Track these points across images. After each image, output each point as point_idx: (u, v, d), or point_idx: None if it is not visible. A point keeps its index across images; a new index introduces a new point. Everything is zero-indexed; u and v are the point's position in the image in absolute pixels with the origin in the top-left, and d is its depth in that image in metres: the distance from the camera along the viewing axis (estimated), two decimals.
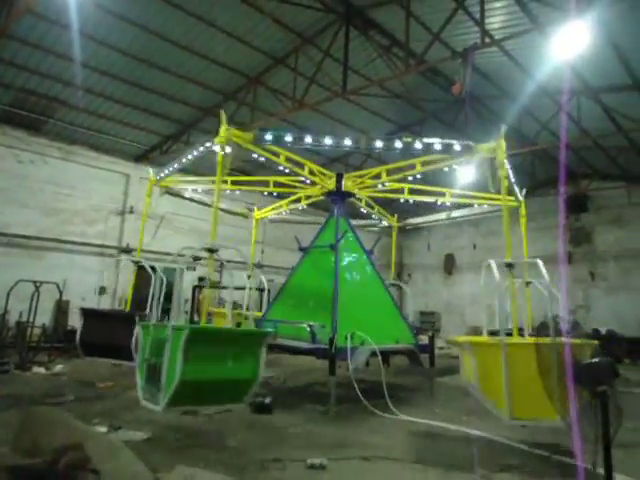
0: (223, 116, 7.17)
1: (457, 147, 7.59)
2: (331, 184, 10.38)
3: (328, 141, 7.72)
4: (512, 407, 4.87)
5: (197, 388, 5.09)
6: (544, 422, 4.75)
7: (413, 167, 9.20)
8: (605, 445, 3.31)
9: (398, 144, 7.65)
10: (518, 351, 4.99)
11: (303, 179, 10.34)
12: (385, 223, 13.44)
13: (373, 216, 13.20)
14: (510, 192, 9.14)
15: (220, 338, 5.59)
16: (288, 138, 7.64)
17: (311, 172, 10.11)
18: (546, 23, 9.42)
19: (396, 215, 13.31)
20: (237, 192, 13.82)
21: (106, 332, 8.44)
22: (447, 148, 7.76)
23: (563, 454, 5.17)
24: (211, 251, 6.47)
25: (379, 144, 7.81)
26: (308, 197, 11.87)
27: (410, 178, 10.08)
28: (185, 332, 4.90)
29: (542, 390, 4.32)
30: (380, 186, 10.73)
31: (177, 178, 10.46)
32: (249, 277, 10.23)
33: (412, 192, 11.20)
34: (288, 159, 9.00)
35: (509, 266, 6.64)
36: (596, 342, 5.22)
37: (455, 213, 12.86)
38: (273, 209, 12.94)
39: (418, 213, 15.19)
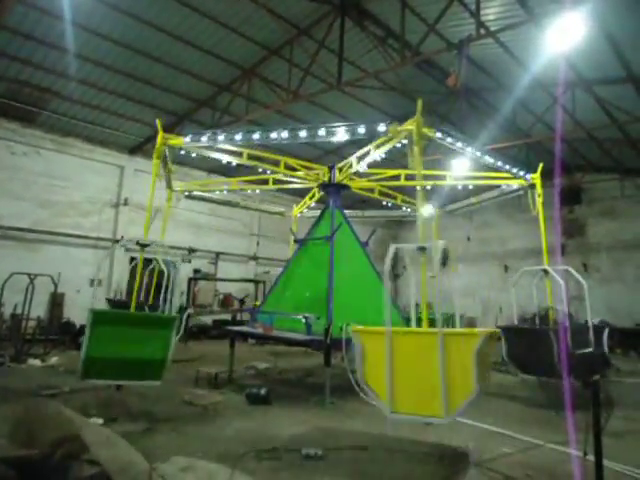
0: (159, 124, 8.31)
1: (382, 128, 7.39)
2: (321, 177, 10.44)
3: (274, 135, 7.60)
4: (393, 400, 4.54)
5: (106, 364, 5.81)
6: (423, 418, 4.44)
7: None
8: (595, 433, 3.37)
9: (303, 133, 7.51)
10: (402, 341, 4.70)
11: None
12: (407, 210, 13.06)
13: (404, 207, 12.88)
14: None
15: (126, 322, 6.22)
16: (220, 137, 7.90)
17: (290, 167, 10.23)
18: (541, 15, 9.40)
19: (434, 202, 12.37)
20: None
21: None
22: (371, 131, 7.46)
23: (556, 442, 5.24)
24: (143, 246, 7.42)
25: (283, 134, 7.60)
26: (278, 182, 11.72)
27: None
28: (90, 314, 5.83)
29: (424, 384, 4.26)
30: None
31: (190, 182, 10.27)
32: None
33: (408, 178, 11.07)
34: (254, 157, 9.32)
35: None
36: (498, 331, 4.92)
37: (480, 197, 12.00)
38: (301, 206, 13.07)
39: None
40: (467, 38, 9.68)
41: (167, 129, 15.65)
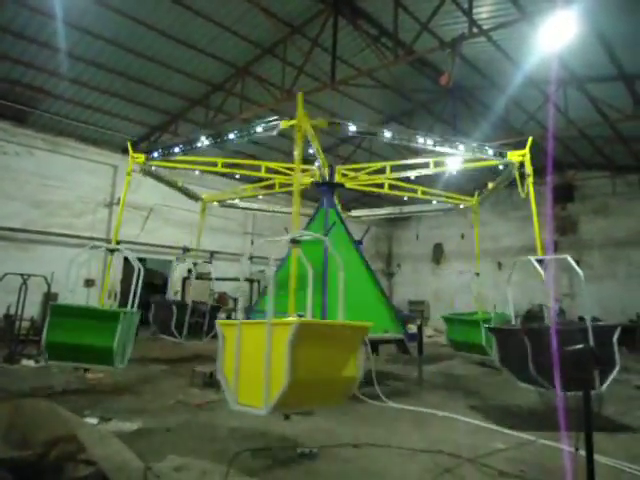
0: (129, 145, 9.02)
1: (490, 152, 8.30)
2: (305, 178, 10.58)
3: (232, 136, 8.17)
4: (238, 391, 4.54)
5: (64, 349, 6.80)
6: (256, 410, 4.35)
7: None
8: (587, 429, 3.41)
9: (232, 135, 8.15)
10: (249, 332, 4.66)
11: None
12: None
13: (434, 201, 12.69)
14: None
15: (79, 315, 7.10)
16: (175, 149, 8.78)
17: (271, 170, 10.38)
18: (534, 13, 9.45)
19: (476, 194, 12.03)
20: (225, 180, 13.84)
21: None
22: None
23: (548, 438, 5.31)
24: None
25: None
26: (283, 185, 12.05)
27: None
28: (49, 307, 7.14)
29: (259, 375, 4.21)
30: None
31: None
32: None
33: (391, 187, 11.72)
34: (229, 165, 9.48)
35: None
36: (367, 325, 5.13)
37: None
38: (228, 194, 13.05)
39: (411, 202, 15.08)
40: (460, 37, 9.71)
41: (161, 128, 15.72)
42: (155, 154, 9.22)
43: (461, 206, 11.94)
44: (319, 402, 4.99)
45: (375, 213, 13.68)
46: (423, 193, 11.76)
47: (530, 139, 8.50)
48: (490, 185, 10.57)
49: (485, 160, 9.08)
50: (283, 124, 7.47)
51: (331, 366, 4.64)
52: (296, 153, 6.95)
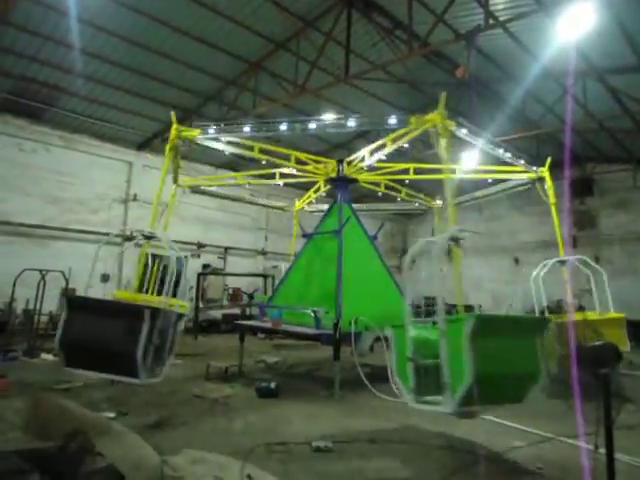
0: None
1: (392, 120, 7.80)
2: (328, 171, 10.41)
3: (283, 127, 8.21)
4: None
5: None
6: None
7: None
8: (607, 426, 3.34)
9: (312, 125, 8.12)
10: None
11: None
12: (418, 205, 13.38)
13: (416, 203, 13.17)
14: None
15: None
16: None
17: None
18: (551, 3, 9.24)
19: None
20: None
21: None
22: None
23: (567, 436, 5.23)
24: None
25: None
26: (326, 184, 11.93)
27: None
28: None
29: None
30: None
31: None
32: None
33: (418, 172, 11.08)
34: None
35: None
36: None
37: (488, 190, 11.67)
38: (304, 200, 13.13)
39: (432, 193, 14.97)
40: (476, 28, 9.56)
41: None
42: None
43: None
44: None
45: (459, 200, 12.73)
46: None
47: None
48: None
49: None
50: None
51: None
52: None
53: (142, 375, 5.35)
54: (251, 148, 9.33)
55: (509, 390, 4.61)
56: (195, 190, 11.30)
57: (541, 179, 9.26)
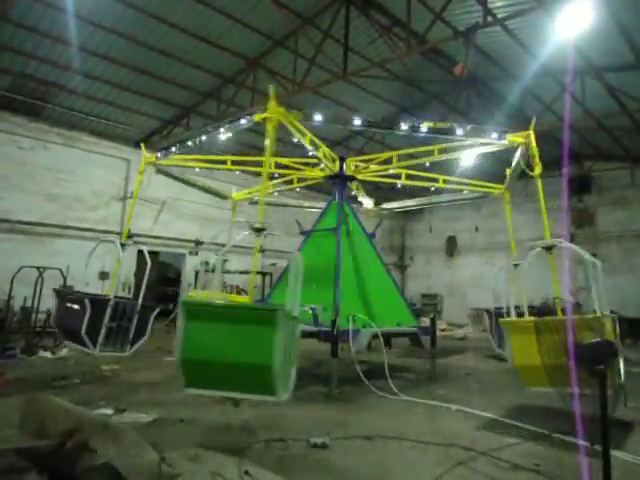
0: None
1: (493, 136, 7.82)
2: (335, 167, 10.38)
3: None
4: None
5: None
6: None
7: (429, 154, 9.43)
8: (602, 423, 3.36)
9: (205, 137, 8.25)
10: None
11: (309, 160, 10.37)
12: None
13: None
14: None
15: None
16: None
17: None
18: (550, 1, 9.25)
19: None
20: (237, 173, 13.75)
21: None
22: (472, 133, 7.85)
23: (563, 433, 5.25)
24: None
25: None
26: (302, 180, 11.76)
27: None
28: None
29: None
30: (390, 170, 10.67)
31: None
32: None
33: (409, 178, 11.17)
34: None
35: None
36: None
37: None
38: (249, 192, 12.58)
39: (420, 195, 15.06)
40: (474, 26, 9.56)
41: (173, 122, 15.76)
42: (159, 154, 9.16)
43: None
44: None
45: (405, 204, 12.95)
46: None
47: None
48: (508, 171, 10.26)
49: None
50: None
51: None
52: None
53: (90, 347, 7.15)
54: (224, 162, 9.55)
55: (237, 378, 4.50)
56: (162, 170, 10.71)
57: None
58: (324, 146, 9.41)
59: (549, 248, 6.96)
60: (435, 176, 10.92)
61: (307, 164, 10.71)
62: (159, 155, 9.18)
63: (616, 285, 17.76)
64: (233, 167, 11.55)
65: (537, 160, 7.68)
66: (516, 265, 7.75)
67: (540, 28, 10.56)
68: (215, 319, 4.61)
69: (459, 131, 7.74)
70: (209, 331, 4.50)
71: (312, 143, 8.55)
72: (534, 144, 7.83)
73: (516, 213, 21.28)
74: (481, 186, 10.60)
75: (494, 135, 7.85)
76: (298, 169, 11.14)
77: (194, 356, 4.47)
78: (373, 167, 10.53)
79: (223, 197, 12.11)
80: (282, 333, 4.41)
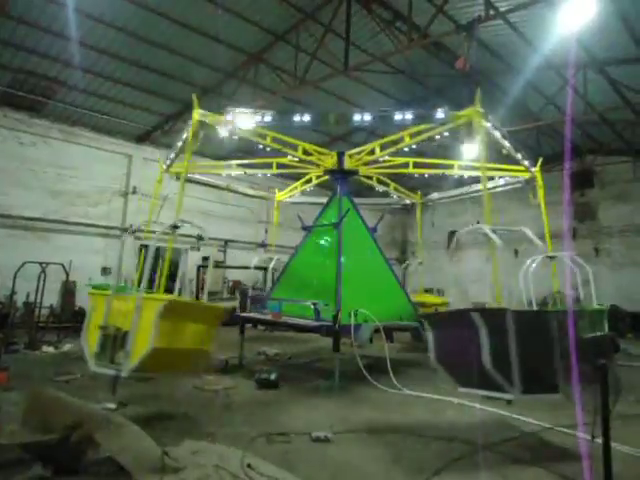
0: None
1: (440, 114, 7.85)
2: (331, 162, 10.35)
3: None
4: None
5: None
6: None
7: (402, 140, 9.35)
8: (604, 416, 3.36)
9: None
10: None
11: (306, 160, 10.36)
12: (407, 201, 13.76)
13: (393, 195, 13.39)
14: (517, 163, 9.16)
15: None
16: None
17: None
18: None
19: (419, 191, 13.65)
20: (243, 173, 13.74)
21: None
22: (428, 116, 8.12)
23: (564, 426, 5.27)
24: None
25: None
26: (318, 177, 11.89)
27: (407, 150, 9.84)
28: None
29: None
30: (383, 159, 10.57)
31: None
32: None
33: (417, 166, 11.00)
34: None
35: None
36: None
37: (477, 186, 11.86)
38: (290, 191, 13.08)
39: (429, 188, 15.14)
40: (476, 19, 9.49)
41: (174, 117, 15.72)
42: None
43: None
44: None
45: (443, 196, 13.09)
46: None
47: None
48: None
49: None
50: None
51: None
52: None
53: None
54: (264, 136, 9.45)
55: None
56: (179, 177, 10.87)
57: (532, 180, 9.49)
58: (303, 144, 9.75)
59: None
60: (449, 162, 11.13)
61: (311, 163, 10.68)
62: (167, 162, 9.62)
63: (619, 279, 17.77)
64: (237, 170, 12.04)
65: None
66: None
67: (542, 21, 10.48)
68: None
69: (398, 116, 8.03)
70: None
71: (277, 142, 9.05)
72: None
73: (520, 208, 21.37)
74: (511, 170, 10.12)
75: (440, 116, 8.00)
76: (298, 167, 11.13)
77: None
78: (366, 158, 10.39)
79: (264, 198, 13.03)
80: None
